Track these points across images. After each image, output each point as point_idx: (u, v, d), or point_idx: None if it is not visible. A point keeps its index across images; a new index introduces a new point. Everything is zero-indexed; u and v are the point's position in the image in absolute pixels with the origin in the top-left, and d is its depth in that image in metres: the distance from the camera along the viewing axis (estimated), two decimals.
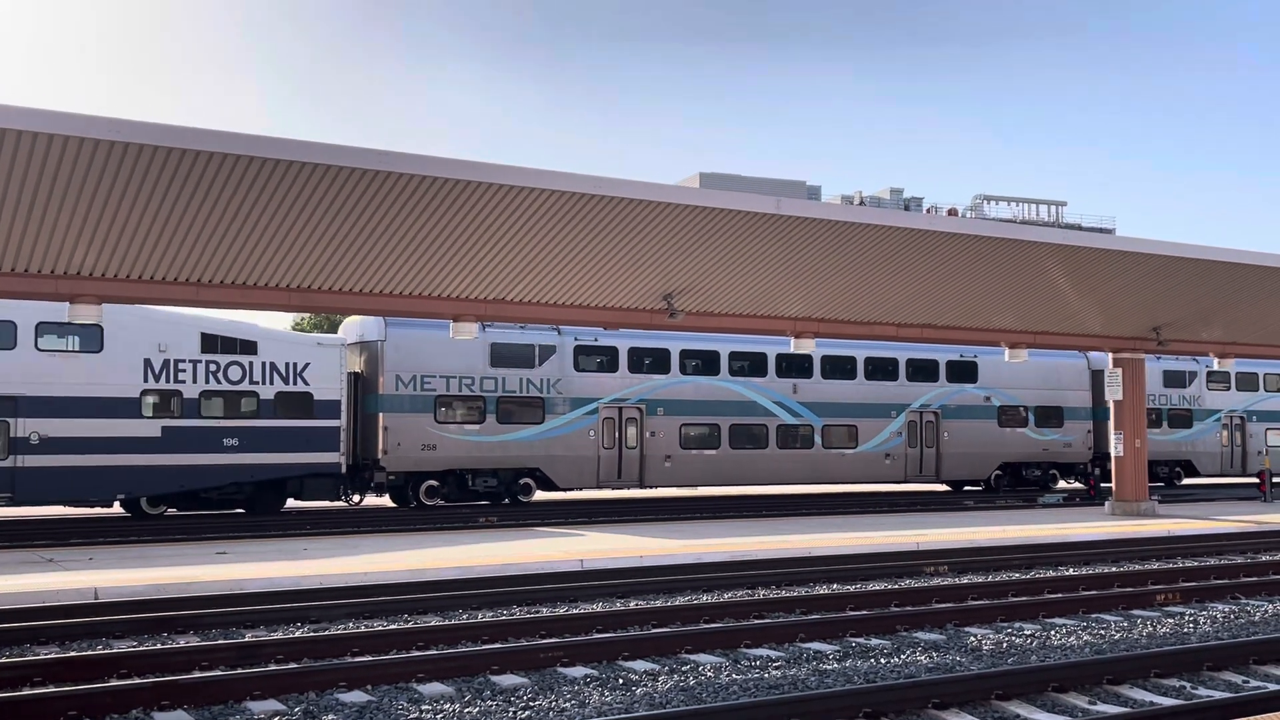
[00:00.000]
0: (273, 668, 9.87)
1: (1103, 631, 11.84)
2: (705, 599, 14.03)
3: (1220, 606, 13.50)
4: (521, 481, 29.32)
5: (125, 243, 15.24)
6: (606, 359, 30.13)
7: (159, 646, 10.78)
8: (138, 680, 9.33)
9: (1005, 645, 11.15)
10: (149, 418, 24.88)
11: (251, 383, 25.90)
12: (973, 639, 11.46)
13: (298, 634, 11.65)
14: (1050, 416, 36.38)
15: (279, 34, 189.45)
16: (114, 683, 9.29)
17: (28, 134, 12.62)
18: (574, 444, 29.38)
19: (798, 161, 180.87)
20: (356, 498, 28.62)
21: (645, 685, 9.43)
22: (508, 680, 9.60)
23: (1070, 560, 18.00)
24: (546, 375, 29.04)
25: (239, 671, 9.49)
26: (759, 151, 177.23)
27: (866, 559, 17.45)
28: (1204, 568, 16.49)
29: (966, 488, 37.12)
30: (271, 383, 26.09)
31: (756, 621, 12.10)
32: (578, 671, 9.91)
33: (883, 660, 10.45)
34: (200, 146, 13.45)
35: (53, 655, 10.23)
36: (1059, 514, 26.51)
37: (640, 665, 10.16)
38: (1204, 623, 12.34)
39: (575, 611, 12.79)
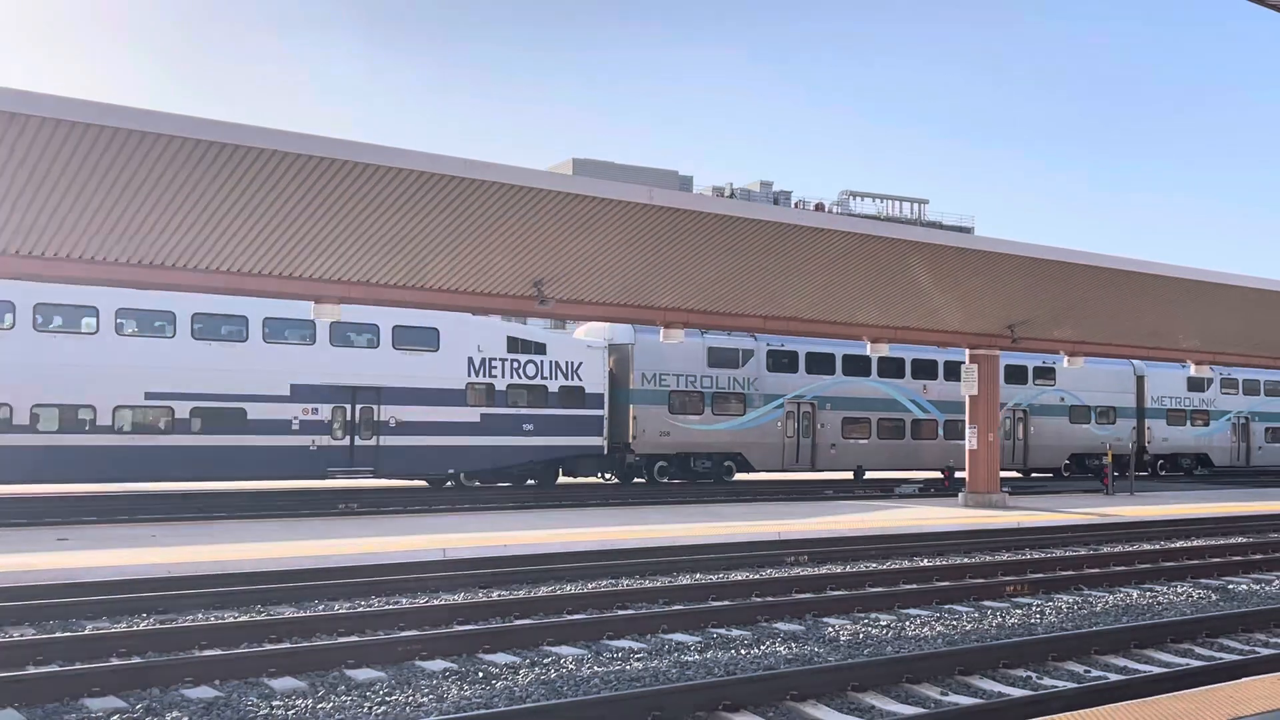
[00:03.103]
0: (114, 663, 9.44)
1: (955, 622, 12.16)
2: (569, 589, 13.95)
3: (1065, 597, 14.01)
4: (725, 464, 34.50)
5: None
6: (790, 361, 35.35)
7: None
8: None
9: (862, 636, 11.35)
10: (471, 406, 29.94)
11: (543, 378, 31.15)
12: (831, 630, 11.64)
13: (143, 627, 11.16)
14: (1107, 415, 42.85)
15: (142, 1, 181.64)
16: None
17: None
18: (767, 433, 34.73)
19: (670, 151, 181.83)
20: (608, 475, 33.73)
21: (505, 679, 9.30)
22: (364, 674, 9.36)
23: (925, 551, 18.45)
24: (747, 374, 34.31)
25: (77, 667, 9.06)
26: (632, 140, 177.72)
27: (730, 549, 17.58)
28: (1050, 559, 17.11)
29: (1033, 474, 42.93)
30: (556, 378, 31.34)
31: (620, 613, 12.08)
32: (436, 665, 9.73)
33: (743, 651, 10.53)
34: (35, 112, 12.72)
35: None
36: (916, 505, 27.25)
37: (501, 658, 10.02)
38: (1050, 614, 12.78)
39: (436, 603, 12.59)
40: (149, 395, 25.93)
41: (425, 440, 29.09)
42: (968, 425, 27.03)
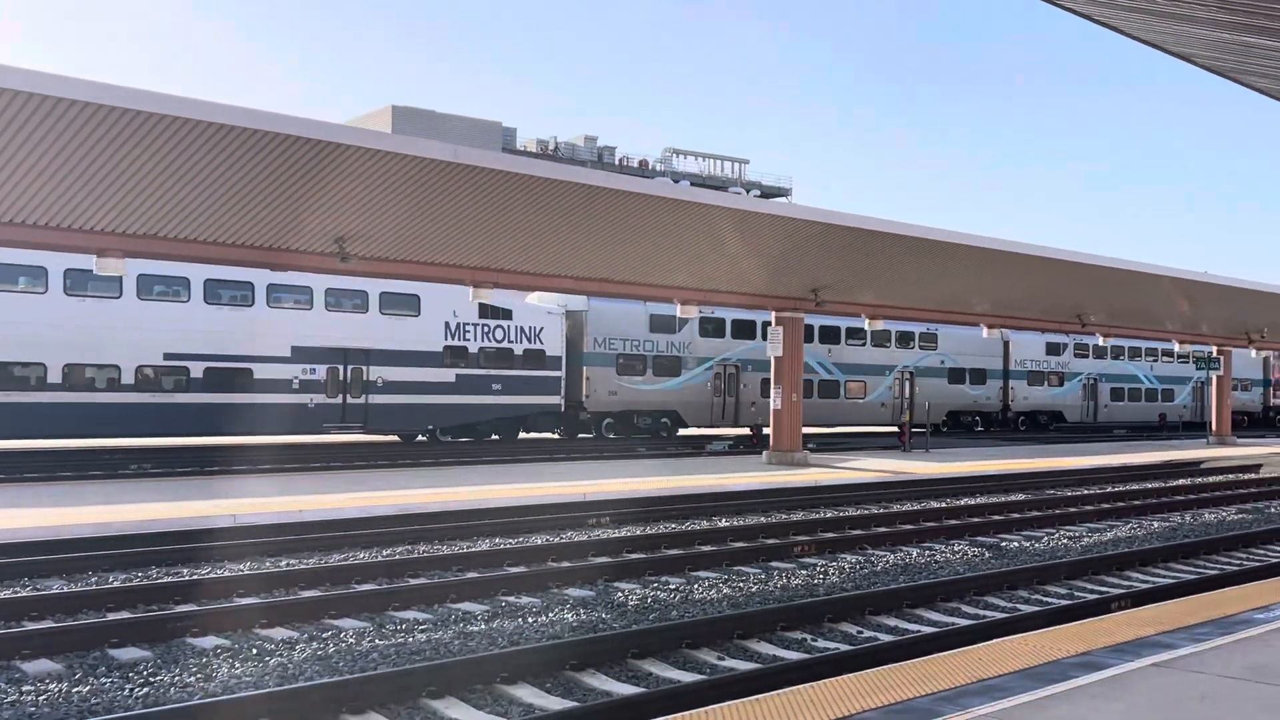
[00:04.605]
0: None
1: (742, 584, 12.46)
2: (363, 557, 13.71)
3: (850, 557, 14.53)
4: (662, 420, 37.57)
5: None
6: (717, 327, 38.52)
7: None
8: None
9: (650, 600, 11.51)
10: (448, 367, 32.15)
11: (509, 342, 33.57)
12: (621, 594, 11.77)
13: None
14: (978, 376, 47.77)
15: None
16: None
17: None
18: (699, 393, 38.18)
19: (495, 102, 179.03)
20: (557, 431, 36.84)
21: (281, 655, 9.06)
22: (128, 654, 8.98)
23: (725, 510, 18.85)
24: (683, 339, 37.47)
25: None
26: (455, 89, 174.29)
27: (535, 510, 17.59)
28: (841, 519, 17.72)
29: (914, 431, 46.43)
30: (521, 342, 33.79)
31: (411, 582, 11.94)
32: (208, 642, 9.40)
33: (531, 619, 10.53)
34: None
35: None
36: (723, 462, 27.84)
37: (279, 633, 9.76)
38: (833, 574, 13.24)
39: (218, 574, 12.19)
40: (167, 356, 27.68)
41: (408, 399, 31.49)
42: (773, 385, 27.70)
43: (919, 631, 10.32)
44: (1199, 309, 36.28)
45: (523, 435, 35.92)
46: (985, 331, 33.03)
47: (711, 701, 7.00)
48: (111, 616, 10.02)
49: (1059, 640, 8.19)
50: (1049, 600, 12.05)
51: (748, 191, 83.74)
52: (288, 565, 12.96)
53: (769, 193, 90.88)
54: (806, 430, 42.04)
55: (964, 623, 10.66)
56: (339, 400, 30.34)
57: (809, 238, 23.30)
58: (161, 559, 13.02)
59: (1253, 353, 44.26)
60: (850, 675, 7.37)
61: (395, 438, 33.70)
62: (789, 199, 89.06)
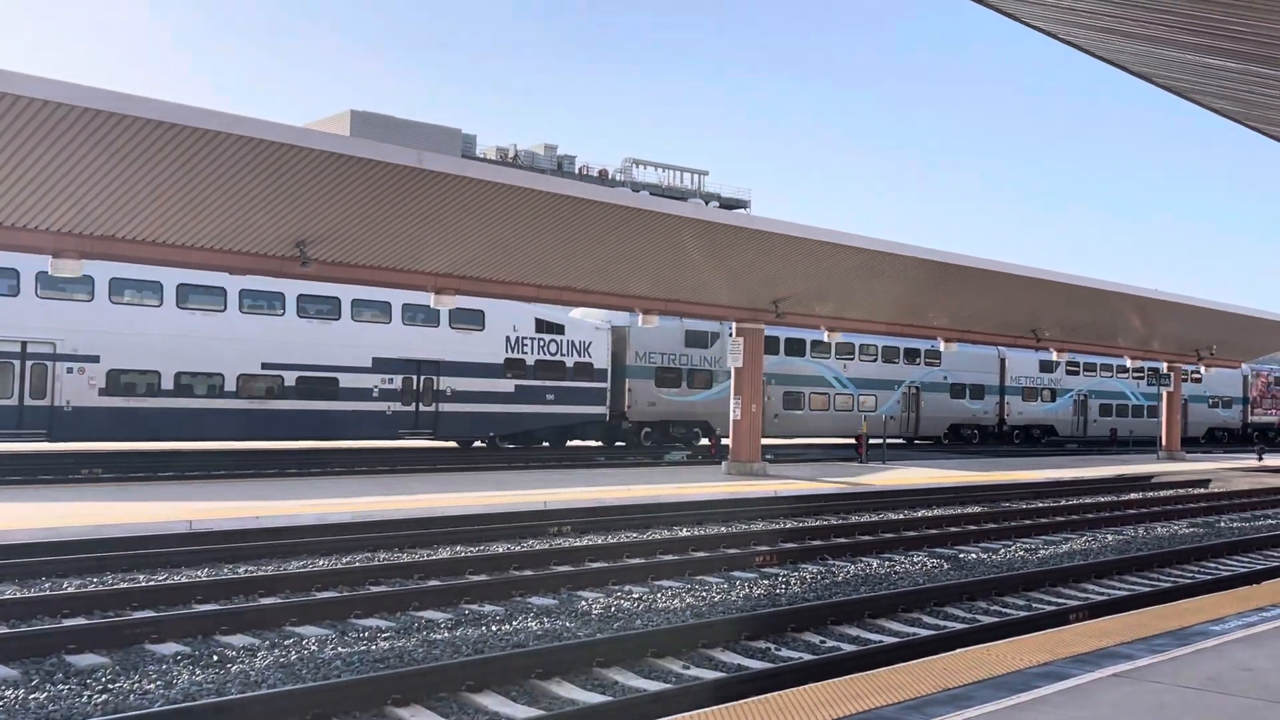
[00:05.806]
0: None
1: (705, 594, 12.48)
2: (322, 564, 13.58)
3: (811, 567, 14.61)
4: (694, 430, 39.45)
5: None
6: None
7: None
8: None
9: (614, 609, 11.49)
10: (508, 378, 34.05)
11: (562, 355, 35.46)
12: (584, 603, 11.75)
13: None
14: (977, 392, 50.06)
15: None
16: None
17: None
18: (728, 404, 38.88)
19: (455, 109, 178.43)
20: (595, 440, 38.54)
21: (242, 662, 8.96)
22: (86, 660, 8.84)
23: (685, 520, 18.87)
24: (713, 353, 39.23)
25: None
26: (415, 94, 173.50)
27: (495, 519, 17.51)
28: (802, 529, 17.81)
29: (915, 441, 49.21)
30: (571, 355, 35.69)
31: (371, 589, 11.84)
32: (168, 648, 9.28)
33: (494, 628, 10.48)
34: None
35: None
36: (683, 472, 27.88)
37: (240, 640, 9.65)
38: (795, 584, 13.29)
39: (176, 580, 12.02)
40: (264, 365, 29.56)
41: (473, 407, 33.48)
42: (732, 396, 27.77)
43: (881, 641, 10.39)
44: (1150, 326, 36.88)
45: (591, 442, 37.96)
46: (943, 345, 33.28)
47: (677, 710, 7.02)
48: (67, 622, 9.84)
49: (1022, 650, 8.27)
50: (1008, 611, 12.17)
51: (707, 203, 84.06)
52: (245, 571, 12.81)
53: (728, 204, 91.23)
54: (823, 441, 43.49)
55: (926, 633, 10.75)
56: (413, 408, 32.20)
57: (771, 249, 23.43)
58: (116, 565, 12.81)
59: (1202, 369, 44.99)
60: (816, 684, 7.40)
61: (454, 444, 35.33)
62: (748, 210, 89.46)
